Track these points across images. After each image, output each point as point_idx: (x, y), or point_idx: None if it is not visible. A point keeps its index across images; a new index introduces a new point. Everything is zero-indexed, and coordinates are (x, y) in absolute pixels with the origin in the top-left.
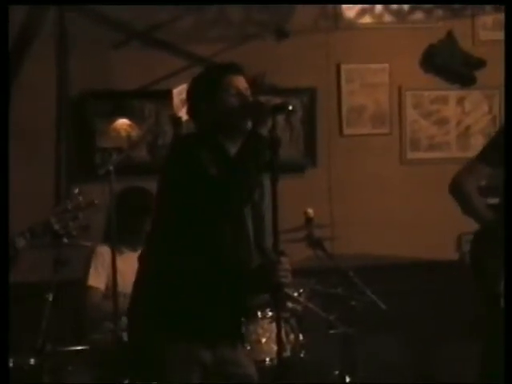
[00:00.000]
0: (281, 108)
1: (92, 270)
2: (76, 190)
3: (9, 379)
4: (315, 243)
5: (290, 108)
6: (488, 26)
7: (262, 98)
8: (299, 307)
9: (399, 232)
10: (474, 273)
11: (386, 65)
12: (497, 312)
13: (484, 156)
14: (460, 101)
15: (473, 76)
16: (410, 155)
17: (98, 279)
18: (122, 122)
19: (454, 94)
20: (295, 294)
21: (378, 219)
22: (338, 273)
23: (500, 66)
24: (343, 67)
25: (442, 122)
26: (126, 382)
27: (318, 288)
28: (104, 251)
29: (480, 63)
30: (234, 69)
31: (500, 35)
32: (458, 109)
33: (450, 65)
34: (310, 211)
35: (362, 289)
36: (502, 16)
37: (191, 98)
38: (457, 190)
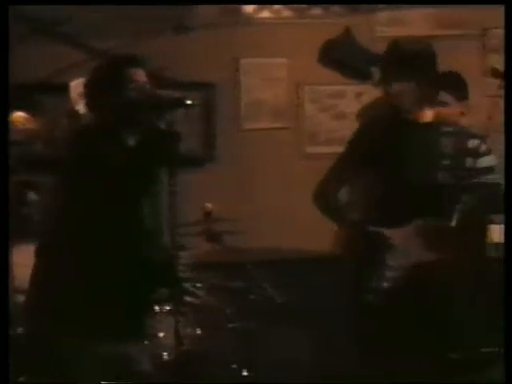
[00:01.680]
0: (179, 102)
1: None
2: None
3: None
4: (214, 237)
5: (189, 102)
6: (384, 22)
7: (162, 92)
8: (197, 301)
9: (299, 226)
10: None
11: (285, 60)
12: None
13: (345, 157)
14: (358, 96)
15: (370, 71)
16: (309, 149)
17: None
18: (18, 115)
19: (351, 88)
20: (193, 288)
21: (277, 213)
22: (236, 267)
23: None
24: (242, 62)
25: (340, 116)
26: (22, 379)
27: (216, 282)
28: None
29: (377, 59)
30: (134, 62)
31: (396, 31)
32: (355, 103)
33: (347, 60)
34: (209, 205)
35: (261, 283)
36: (398, 13)
37: (90, 91)
38: (320, 197)
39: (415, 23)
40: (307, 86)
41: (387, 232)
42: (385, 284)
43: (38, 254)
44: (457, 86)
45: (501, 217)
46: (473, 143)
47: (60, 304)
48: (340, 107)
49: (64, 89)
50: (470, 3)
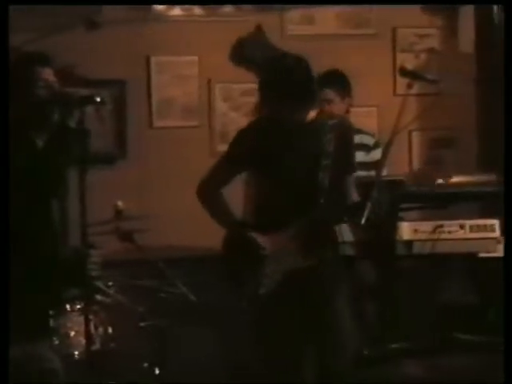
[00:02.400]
0: (89, 99)
1: None
2: None
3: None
4: (125, 236)
5: (98, 99)
6: (295, 20)
7: (71, 90)
8: (109, 300)
9: (208, 224)
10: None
11: (196, 57)
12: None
13: (227, 156)
14: None
15: None
16: (220, 148)
17: None
18: None
19: None
20: (105, 287)
21: (189, 212)
22: (148, 265)
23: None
24: (153, 59)
25: (252, 114)
26: None
27: (128, 280)
28: None
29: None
30: (42, 60)
31: (307, 30)
32: None
33: (258, 58)
34: (120, 204)
35: (173, 281)
36: (309, 12)
37: None
38: (200, 194)
39: (326, 22)
40: (219, 84)
41: (262, 239)
42: (261, 291)
43: None
44: (340, 83)
45: (411, 214)
46: (361, 138)
47: None
48: (251, 105)
49: None
50: (469, 3)
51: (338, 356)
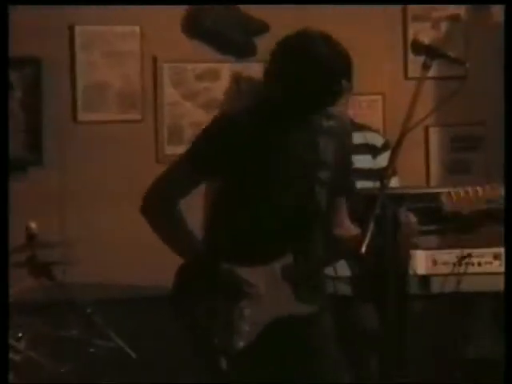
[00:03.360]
0: None
1: None
2: None
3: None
4: (40, 268)
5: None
6: None
7: None
8: (18, 357)
9: (154, 254)
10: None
11: (137, 27)
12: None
13: (191, 157)
14: (236, 77)
15: (252, 44)
16: (169, 150)
17: None
18: None
19: (227, 67)
20: (13, 340)
21: (126, 237)
22: (72, 309)
23: (285, 31)
24: (78, 30)
25: (212, 104)
26: None
27: (45, 330)
28: None
29: (261, 28)
30: None
31: None
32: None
33: (221, 29)
34: (33, 225)
35: (105, 330)
36: None
37: None
38: (148, 212)
39: None
40: (167, 64)
41: (244, 272)
42: (240, 343)
43: None
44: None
45: (429, 239)
46: (365, 137)
47: None
48: (212, 93)
49: None
50: (469, 3)
51: None
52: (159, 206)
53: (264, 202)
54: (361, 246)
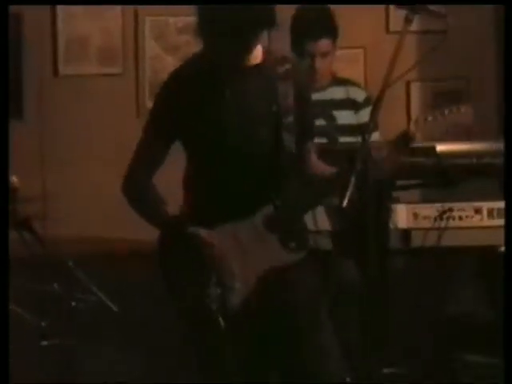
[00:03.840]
0: None
1: None
2: None
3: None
4: (21, 223)
5: None
6: None
7: None
8: None
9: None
10: None
11: None
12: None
13: (153, 125)
14: None
15: None
16: (150, 104)
17: None
18: None
19: None
20: None
21: (108, 191)
22: (52, 263)
23: None
24: None
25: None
26: None
27: (26, 284)
28: None
29: None
30: None
31: None
32: None
33: None
34: (15, 179)
35: (86, 284)
36: None
37: None
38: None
39: None
40: (149, 17)
41: (210, 233)
42: (234, 300)
43: None
44: (333, 27)
45: (410, 193)
46: (347, 92)
47: None
48: (193, 46)
49: None
50: (469, 3)
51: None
52: (132, 187)
53: (231, 156)
54: (342, 200)
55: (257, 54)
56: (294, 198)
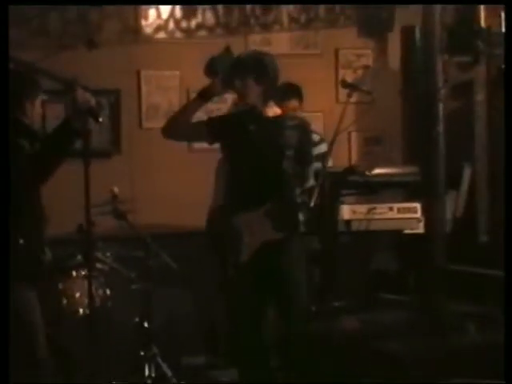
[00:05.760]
0: (92, 114)
1: None
2: None
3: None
4: (120, 215)
5: (100, 120)
6: (257, 42)
7: (85, 95)
8: (106, 267)
9: (185, 206)
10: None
11: (177, 72)
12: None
13: (207, 120)
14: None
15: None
16: (197, 146)
17: None
18: None
19: (230, 96)
20: (104, 257)
21: (171, 196)
22: (138, 239)
23: None
24: (143, 73)
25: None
26: None
27: (122, 252)
28: None
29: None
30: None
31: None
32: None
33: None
34: (115, 189)
35: (158, 252)
36: (267, 35)
37: None
38: (168, 130)
39: (281, 44)
40: (195, 93)
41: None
42: (243, 258)
43: None
44: (300, 94)
45: (351, 198)
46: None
47: None
48: (222, 111)
49: None
50: (470, 3)
51: (297, 311)
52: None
53: (249, 169)
54: (311, 201)
55: (276, 110)
56: (286, 200)
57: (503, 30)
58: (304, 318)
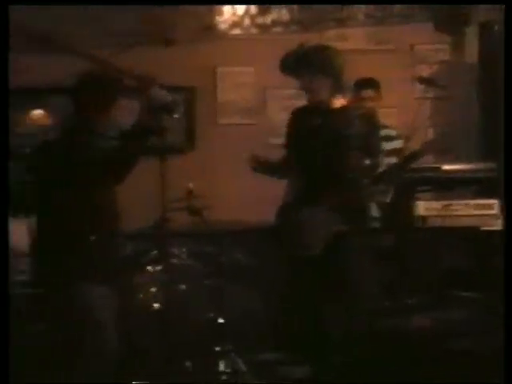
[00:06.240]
0: (168, 110)
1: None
2: None
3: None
4: (195, 211)
5: (176, 116)
6: (332, 38)
7: (161, 92)
8: (181, 263)
9: (264, 202)
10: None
11: (252, 68)
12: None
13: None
14: None
15: None
16: (271, 141)
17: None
18: (38, 113)
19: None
20: (178, 252)
21: (246, 193)
22: (212, 235)
23: None
24: (218, 70)
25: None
26: None
27: (196, 247)
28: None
29: None
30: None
31: (341, 46)
32: None
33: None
34: (191, 185)
35: (231, 248)
36: (343, 31)
37: None
38: None
39: (356, 39)
40: (270, 90)
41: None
42: (308, 255)
43: None
44: (376, 86)
45: (426, 195)
46: (386, 132)
47: None
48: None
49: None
50: (470, 3)
51: (362, 308)
52: None
53: (315, 163)
54: (386, 198)
55: (343, 102)
56: (351, 191)
57: None
58: (369, 314)
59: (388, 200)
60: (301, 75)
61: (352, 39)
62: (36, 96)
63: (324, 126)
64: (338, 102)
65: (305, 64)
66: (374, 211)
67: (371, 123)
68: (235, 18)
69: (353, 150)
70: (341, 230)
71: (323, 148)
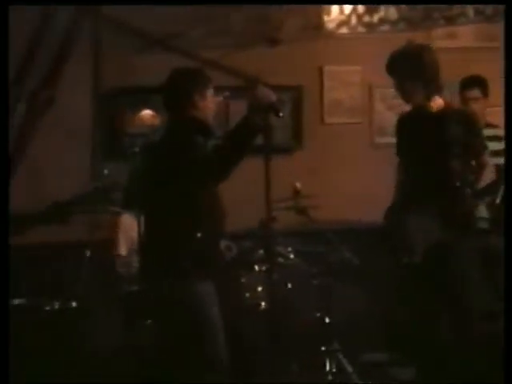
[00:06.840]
0: (274, 109)
1: (118, 240)
2: (105, 171)
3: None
4: (301, 211)
5: (281, 115)
6: (440, 36)
7: (267, 91)
8: (288, 262)
9: (370, 202)
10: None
11: (359, 67)
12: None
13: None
14: None
15: None
16: (378, 140)
17: (122, 247)
18: (146, 113)
19: None
20: (285, 252)
21: (352, 192)
22: (319, 235)
23: None
24: (325, 69)
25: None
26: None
27: (303, 247)
28: (126, 219)
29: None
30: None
31: (450, 43)
32: None
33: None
34: (298, 185)
35: (339, 247)
36: (451, 28)
37: None
38: None
39: (464, 36)
40: (377, 89)
41: (414, 216)
42: (413, 258)
43: None
44: (484, 85)
45: None
46: (495, 132)
47: None
48: (403, 106)
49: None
50: (470, 3)
51: (468, 312)
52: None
53: (418, 168)
54: (496, 198)
55: (440, 103)
56: (459, 198)
57: None
58: (476, 319)
59: (498, 200)
60: (393, 77)
61: (461, 37)
62: (146, 96)
63: (424, 131)
64: (435, 104)
65: (396, 66)
66: (483, 212)
67: (471, 127)
68: (342, 17)
69: (453, 154)
70: (448, 234)
71: (425, 152)
